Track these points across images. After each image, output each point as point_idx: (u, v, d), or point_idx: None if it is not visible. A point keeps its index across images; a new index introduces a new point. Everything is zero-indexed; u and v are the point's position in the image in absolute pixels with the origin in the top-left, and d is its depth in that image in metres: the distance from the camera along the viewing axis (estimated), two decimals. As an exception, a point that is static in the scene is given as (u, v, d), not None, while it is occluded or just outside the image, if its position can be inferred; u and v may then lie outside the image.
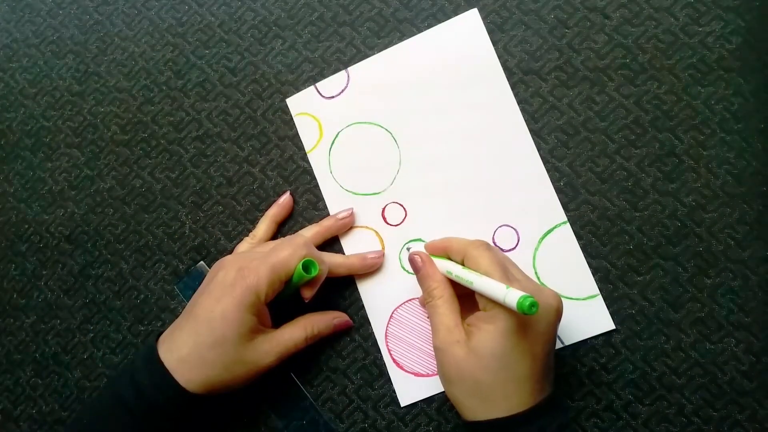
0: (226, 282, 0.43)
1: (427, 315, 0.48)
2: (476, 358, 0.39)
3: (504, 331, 0.38)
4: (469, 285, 0.41)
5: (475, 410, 0.40)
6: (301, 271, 0.43)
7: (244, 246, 0.49)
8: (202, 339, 0.42)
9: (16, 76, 0.58)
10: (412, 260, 0.45)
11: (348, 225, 0.50)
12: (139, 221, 0.54)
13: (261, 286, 0.42)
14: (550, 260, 0.47)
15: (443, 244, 0.45)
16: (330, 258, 0.47)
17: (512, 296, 0.37)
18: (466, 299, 0.42)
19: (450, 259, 0.44)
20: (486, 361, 0.39)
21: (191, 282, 0.52)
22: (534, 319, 0.39)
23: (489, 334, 0.39)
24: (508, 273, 0.40)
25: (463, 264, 0.43)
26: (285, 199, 0.51)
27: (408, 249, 0.49)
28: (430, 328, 0.48)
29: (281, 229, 0.51)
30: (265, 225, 0.50)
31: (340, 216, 0.50)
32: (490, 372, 0.39)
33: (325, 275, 0.46)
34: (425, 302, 0.44)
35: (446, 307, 0.42)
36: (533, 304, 0.36)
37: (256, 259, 0.44)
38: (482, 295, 0.40)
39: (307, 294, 0.45)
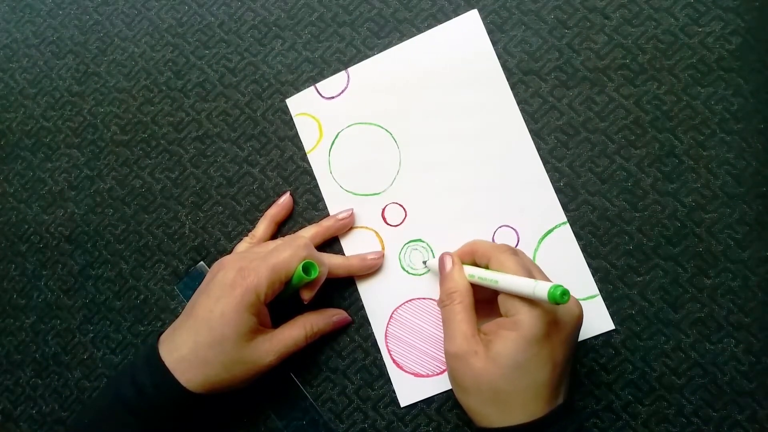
0: (225, 282, 0.43)
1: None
2: (496, 367, 0.38)
3: (527, 337, 0.38)
4: (494, 285, 0.40)
5: (490, 418, 0.40)
6: (301, 273, 0.43)
7: (243, 246, 0.49)
8: (202, 338, 0.42)
9: (16, 76, 0.58)
10: (442, 260, 0.45)
11: (348, 225, 0.50)
12: (139, 221, 0.54)
13: (261, 286, 0.42)
14: (550, 260, 0.47)
15: (468, 248, 0.45)
16: (329, 259, 0.47)
17: (542, 287, 0.36)
18: (480, 307, 0.42)
19: (474, 263, 0.44)
20: (507, 369, 0.38)
21: (191, 282, 0.52)
22: (557, 326, 0.39)
23: (511, 341, 0.38)
24: (533, 277, 0.40)
25: (487, 267, 0.42)
26: (285, 199, 0.51)
27: (424, 260, 0.49)
28: (430, 328, 0.48)
29: (281, 230, 0.51)
30: (264, 225, 0.50)
31: (340, 216, 0.49)
32: (510, 380, 0.38)
33: (324, 277, 0.46)
34: (442, 305, 0.43)
35: (465, 314, 0.41)
36: (564, 293, 0.35)
37: (257, 260, 0.44)
38: (506, 298, 0.40)
39: (307, 296, 0.45)
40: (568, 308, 0.39)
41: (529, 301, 0.38)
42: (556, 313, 0.39)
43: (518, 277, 0.39)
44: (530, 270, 0.41)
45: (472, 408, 0.41)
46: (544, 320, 0.38)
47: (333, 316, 0.48)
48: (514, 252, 0.42)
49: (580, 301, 0.46)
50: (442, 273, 0.44)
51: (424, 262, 0.49)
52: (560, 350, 0.39)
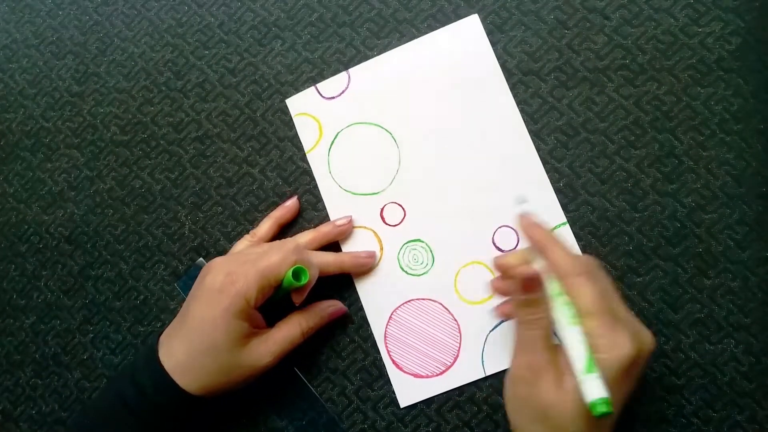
0: (214, 287, 0.43)
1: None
2: (564, 403, 0.36)
3: (605, 381, 0.35)
4: (553, 324, 0.38)
5: None
6: (291, 278, 0.43)
7: (242, 244, 0.49)
8: (195, 345, 0.42)
9: (16, 77, 0.58)
10: (541, 279, 0.39)
11: (346, 233, 0.50)
12: (138, 222, 0.54)
13: (250, 291, 0.42)
14: (550, 261, 0.47)
15: (540, 244, 0.40)
16: (321, 257, 0.47)
17: (589, 389, 0.34)
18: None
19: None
20: (574, 405, 0.35)
21: (190, 280, 0.52)
22: (637, 368, 0.36)
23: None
24: (612, 311, 0.37)
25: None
26: (291, 202, 0.51)
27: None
28: (429, 329, 0.48)
29: (284, 232, 0.51)
30: (267, 225, 0.50)
31: (339, 223, 0.49)
32: (573, 415, 0.35)
33: (315, 281, 0.45)
34: (523, 327, 0.39)
35: (544, 342, 0.38)
36: (605, 413, 0.33)
37: (247, 263, 0.43)
38: (587, 319, 0.36)
39: (297, 299, 0.45)
40: (645, 342, 0.36)
41: (612, 335, 0.35)
42: (640, 353, 0.35)
43: (578, 350, 0.36)
44: (608, 301, 0.37)
45: (521, 426, 0.38)
46: (627, 364, 0.35)
47: (328, 308, 0.48)
48: (593, 277, 0.37)
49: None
50: (528, 290, 0.39)
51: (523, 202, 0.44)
52: (628, 389, 0.36)
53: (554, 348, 0.38)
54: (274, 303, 0.46)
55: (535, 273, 0.38)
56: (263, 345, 0.44)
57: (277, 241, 0.48)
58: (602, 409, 0.34)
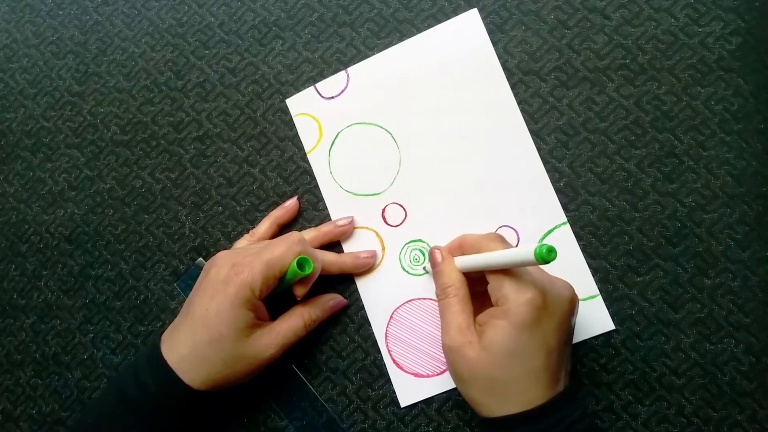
0: (219, 279, 0.43)
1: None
2: (489, 356, 0.39)
3: (517, 324, 0.38)
4: (484, 266, 0.41)
5: (491, 407, 0.40)
6: (296, 268, 0.43)
7: (242, 243, 0.49)
8: (200, 337, 0.42)
9: (16, 77, 0.58)
10: (432, 255, 0.45)
11: (346, 233, 0.50)
12: (139, 222, 0.54)
13: (255, 282, 0.42)
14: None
15: (456, 243, 0.45)
16: (323, 256, 0.47)
17: (528, 250, 0.36)
18: (478, 299, 0.42)
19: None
20: (499, 358, 0.38)
21: (190, 280, 0.52)
22: (547, 312, 0.39)
23: (502, 329, 0.38)
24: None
25: None
26: (291, 203, 0.51)
27: (423, 267, 0.49)
28: (430, 329, 0.48)
29: (282, 232, 0.51)
30: (266, 225, 0.50)
31: (340, 223, 0.49)
32: (504, 368, 0.38)
33: (318, 273, 0.46)
34: (438, 299, 0.44)
35: (460, 306, 0.42)
36: (551, 250, 0.35)
37: (250, 255, 0.44)
38: (496, 287, 0.40)
39: (300, 292, 0.45)
40: (559, 292, 0.40)
41: (517, 288, 0.39)
42: (546, 299, 0.39)
43: (504, 251, 0.39)
44: None
45: (473, 398, 0.41)
46: (533, 306, 0.38)
47: (329, 301, 0.48)
48: (502, 240, 0.42)
49: (581, 302, 0.46)
50: (434, 268, 0.45)
51: (424, 268, 0.49)
52: (553, 336, 0.39)
53: (470, 309, 0.42)
54: (275, 299, 0.46)
55: (433, 248, 0.45)
56: (267, 336, 0.44)
57: (282, 235, 0.48)
58: (546, 247, 0.35)
